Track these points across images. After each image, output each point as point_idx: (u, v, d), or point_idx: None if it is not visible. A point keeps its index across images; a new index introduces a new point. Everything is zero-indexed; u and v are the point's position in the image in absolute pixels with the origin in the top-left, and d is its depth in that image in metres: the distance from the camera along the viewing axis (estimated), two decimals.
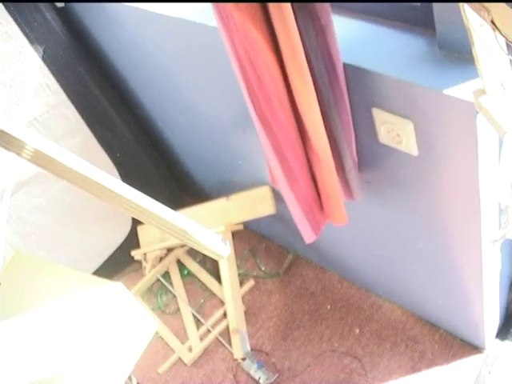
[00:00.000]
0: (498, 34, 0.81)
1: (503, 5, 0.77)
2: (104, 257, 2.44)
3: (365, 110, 1.30)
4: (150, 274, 2.44)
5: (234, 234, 2.32)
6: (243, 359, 2.09)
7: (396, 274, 1.92)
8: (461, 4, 0.83)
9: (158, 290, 2.44)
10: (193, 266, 2.45)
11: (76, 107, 2.06)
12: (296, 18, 1.08)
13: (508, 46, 0.84)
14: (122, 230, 2.47)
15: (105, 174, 1.07)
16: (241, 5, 1.08)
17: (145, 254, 2.45)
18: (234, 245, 2.28)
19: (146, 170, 2.37)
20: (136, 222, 2.48)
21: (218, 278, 2.30)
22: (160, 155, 2.45)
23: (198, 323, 2.27)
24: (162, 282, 2.44)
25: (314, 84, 1.20)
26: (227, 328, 2.20)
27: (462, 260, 1.56)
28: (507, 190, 1.31)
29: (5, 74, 1.86)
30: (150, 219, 1.20)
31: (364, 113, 1.31)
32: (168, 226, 1.24)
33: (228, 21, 1.12)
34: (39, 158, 0.98)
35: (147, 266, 2.45)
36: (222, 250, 1.30)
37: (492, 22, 0.79)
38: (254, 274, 2.37)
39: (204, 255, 2.61)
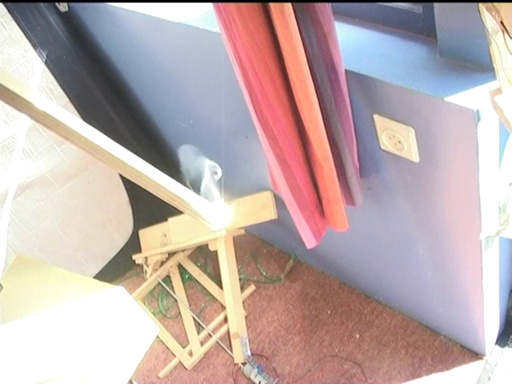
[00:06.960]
0: (506, 35, 0.81)
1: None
2: (105, 261, 2.44)
3: (366, 116, 1.31)
4: (151, 278, 2.44)
5: (236, 239, 2.32)
6: (244, 364, 2.09)
7: (396, 280, 1.92)
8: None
9: (159, 294, 2.44)
10: (194, 270, 2.45)
11: (78, 111, 2.07)
12: (298, 25, 1.09)
13: None
14: (124, 234, 2.47)
15: (109, 140, 1.08)
16: (243, 11, 1.08)
17: (146, 258, 2.46)
18: (236, 250, 2.28)
19: None
20: (137, 226, 2.48)
21: (219, 283, 2.30)
22: (162, 159, 2.45)
23: (199, 327, 2.27)
24: (163, 286, 2.44)
25: (316, 90, 1.20)
26: (228, 332, 2.20)
27: (462, 266, 1.57)
28: (505, 189, 1.31)
29: None
30: (149, 185, 1.22)
31: (365, 119, 1.32)
32: (166, 192, 1.25)
33: (231, 27, 1.12)
34: (44, 119, 1.00)
35: (148, 270, 2.45)
36: (216, 220, 1.30)
37: (501, 23, 0.80)
38: (255, 278, 2.38)
39: (205, 260, 2.61)
